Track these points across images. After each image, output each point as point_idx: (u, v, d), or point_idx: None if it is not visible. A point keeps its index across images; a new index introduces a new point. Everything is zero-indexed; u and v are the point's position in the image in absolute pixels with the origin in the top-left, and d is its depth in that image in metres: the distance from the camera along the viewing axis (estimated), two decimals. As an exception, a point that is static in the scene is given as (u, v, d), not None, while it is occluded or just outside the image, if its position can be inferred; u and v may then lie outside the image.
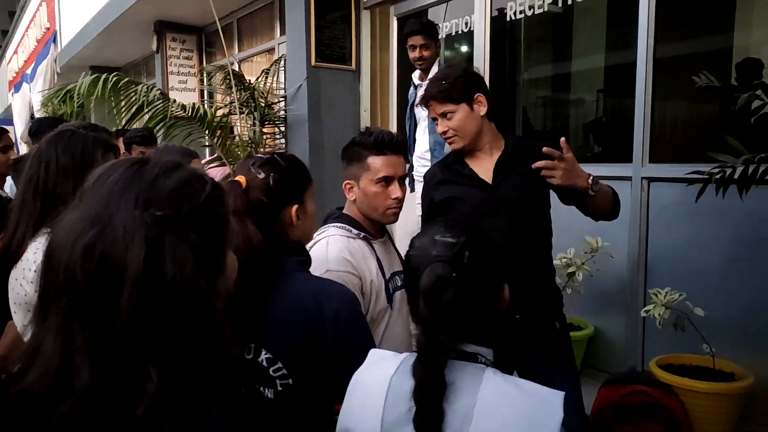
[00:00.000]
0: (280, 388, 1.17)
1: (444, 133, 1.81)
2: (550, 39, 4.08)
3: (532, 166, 1.63)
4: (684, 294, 2.29)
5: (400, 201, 1.61)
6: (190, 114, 3.92)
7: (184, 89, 6.94)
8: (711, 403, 2.29)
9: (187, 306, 0.68)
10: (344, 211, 1.67)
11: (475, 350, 0.98)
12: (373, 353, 1.08)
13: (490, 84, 3.68)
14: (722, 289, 2.48)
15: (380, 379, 0.99)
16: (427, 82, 3.54)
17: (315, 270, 1.36)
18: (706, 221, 2.47)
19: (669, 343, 2.55)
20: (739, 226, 2.42)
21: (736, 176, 1.69)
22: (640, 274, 2.79)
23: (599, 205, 1.72)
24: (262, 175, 1.25)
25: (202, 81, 6.82)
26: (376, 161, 1.57)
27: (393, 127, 4.49)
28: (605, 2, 3.61)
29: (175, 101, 3.92)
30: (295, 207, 1.27)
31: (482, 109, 1.77)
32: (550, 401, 0.90)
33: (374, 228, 1.65)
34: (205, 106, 5.65)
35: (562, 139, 1.64)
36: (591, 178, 1.66)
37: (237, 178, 1.25)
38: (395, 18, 4.47)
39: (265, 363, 1.17)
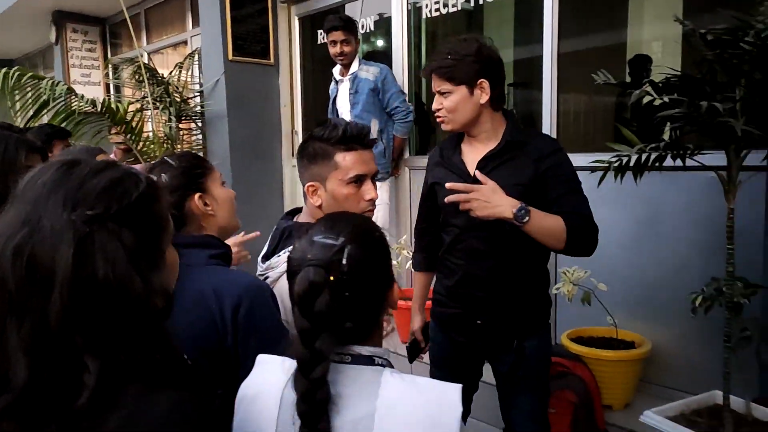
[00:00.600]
0: None
1: (437, 110, 1.67)
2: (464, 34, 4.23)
3: (446, 199, 1.51)
4: (589, 271, 2.51)
5: (374, 202, 1.46)
6: (99, 110, 3.74)
7: (87, 83, 6.56)
8: (615, 369, 2.53)
9: (121, 302, 0.69)
10: (305, 217, 1.51)
11: (372, 352, 0.95)
12: (260, 360, 1.03)
13: (407, 78, 3.80)
14: (623, 266, 2.74)
15: (272, 392, 0.94)
16: (349, 76, 3.64)
17: None
18: (608, 205, 2.70)
19: (579, 317, 2.77)
20: (637, 209, 2.67)
21: (631, 164, 1.88)
22: (552, 255, 3.00)
23: (539, 238, 1.53)
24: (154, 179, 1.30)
25: (108, 74, 6.49)
26: (345, 158, 1.40)
27: (311, 124, 4.51)
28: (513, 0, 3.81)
29: (83, 96, 3.72)
30: (197, 195, 1.31)
31: (483, 97, 1.62)
32: (449, 397, 0.89)
33: None
34: (113, 100, 5.41)
35: (476, 171, 1.59)
36: (517, 207, 1.47)
37: None
38: (296, 18, 4.49)
39: None
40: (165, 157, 1.39)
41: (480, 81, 1.62)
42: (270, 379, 0.96)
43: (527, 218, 1.47)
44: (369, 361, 0.94)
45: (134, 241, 0.72)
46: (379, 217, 3.54)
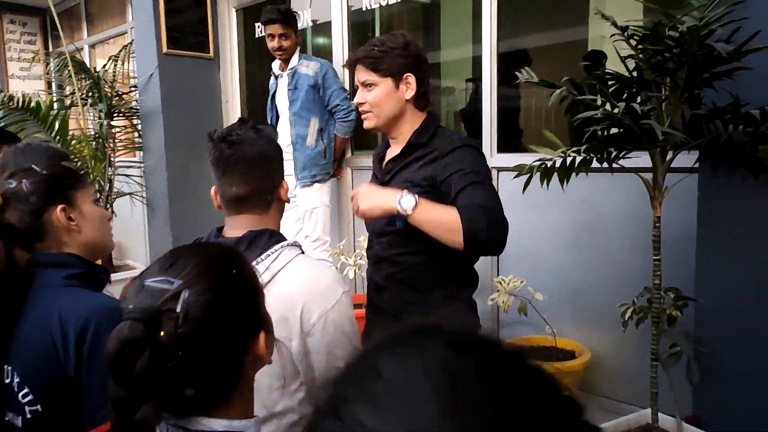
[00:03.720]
0: (29, 416, 1.09)
1: (360, 104, 1.60)
2: (406, 29, 4.09)
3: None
4: (525, 280, 2.38)
5: None
6: (20, 106, 3.48)
7: (27, 77, 6.23)
8: (554, 381, 2.42)
9: None
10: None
11: (227, 426, 0.76)
12: None
13: (349, 75, 3.63)
14: (560, 273, 2.62)
15: None
16: (288, 71, 3.46)
17: (330, 298, 1.14)
18: (544, 208, 2.58)
19: (520, 326, 2.65)
20: (575, 212, 2.56)
21: (557, 166, 1.75)
22: (493, 264, 2.88)
23: (432, 232, 1.40)
24: (13, 184, 1.21)
25: (49, 69, 6.17)
26: None
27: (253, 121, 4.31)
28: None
29: (1, 91, 3.45)
30: (59, 207, 1.22)
31: (409, 92, 1.55)
32: None
33: None
34: (53, 95, 5.13)
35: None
36: (401, 194, 1.40)
37: None
38: (234, 10, 4.29)
39: (15, 387, 1.11)
40: (32, 165, 1.29)
41: (406, 75, 1.56)
42: None
43: (413, 205, 1.38)
44: None
45: None
46: (320, 219, 3.38)
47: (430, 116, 1.62)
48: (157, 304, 0.72)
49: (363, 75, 1.58)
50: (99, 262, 1.49)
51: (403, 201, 1.39)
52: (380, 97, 1.56)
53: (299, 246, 1.20)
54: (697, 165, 1.85)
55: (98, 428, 0.84)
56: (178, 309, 0.72)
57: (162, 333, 0.71)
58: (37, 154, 1.67)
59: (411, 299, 1.55)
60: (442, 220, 1.39)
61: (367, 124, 1.61)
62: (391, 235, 1.58)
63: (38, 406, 1.10)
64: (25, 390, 1.10)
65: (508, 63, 2.87)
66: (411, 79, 1.56)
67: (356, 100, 1.61)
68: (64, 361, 1.10)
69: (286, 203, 1.28)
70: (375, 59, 1.55)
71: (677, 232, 2.07)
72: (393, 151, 1.64)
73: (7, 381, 1.13)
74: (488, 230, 1.37)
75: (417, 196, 1.40)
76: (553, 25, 3.20)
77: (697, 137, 1.62)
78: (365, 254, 2.98)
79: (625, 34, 1.52)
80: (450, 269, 1.56)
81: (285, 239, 1.18)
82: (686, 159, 1.82)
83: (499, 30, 2.82)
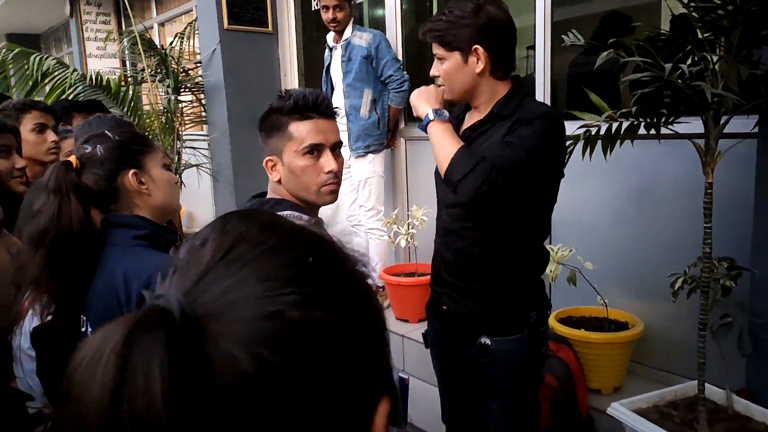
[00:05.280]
0: None
1: (435, 77, 1.56)
2: None
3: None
4: (574, 249, 2.35)
5: (336, 175, 1.33)
6: (93, 83, 3.72)
7: (103, 56, 6.60)
8: (604, 352, 2.39)
9: None
10: (270, 195, 1.39)
11: None
12: None
13: (404, 48, 3.62)
14: (612, 242, 2.57)
15: None
16: (342, 43, 3.51)
17: None
18: (595, 176, 2.52)
19: (570, 297, 2.63)
20: (627, 179, 2.48)
21: (602, 133, 1.71)
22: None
23: (434, 151, 1.50)
24: (89, 150, 1.28)
25: (123, 47, 6.50)
26: (300, 128, 1.29)
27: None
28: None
29: (75, 71, 3.70)
30: (131, 172, 1.29)
31: (479, 66, 1.46)
32: None
33: (313, 213, 1.38)
34: (122, 73, 5.42)
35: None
36: (436, 109, 1.50)
37: (69, 158, 1.27)
38: None
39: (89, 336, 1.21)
40: (105, 131, 1.38)
41: (474, 47, 1.45)
42: None
43: (434, 120, 1.49)
44: None
45: None
46: (373, 189, 3.44)
47: (515, 86, 1.54)
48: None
49: (434, 48, 1.52)
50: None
51: (434, 112, 1.50)
52: (450, 73, 1.50)
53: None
54: (756, 129, 1.76)
55: None
56: None
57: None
58: (108, 123, 1.81)
59: (477, 275, 1.55)
60: (442, 147, 1.47)
61: (445, 97, 1.57)
62: (458, 207, 1.55)
63: None
64: None
65: (563, 31, 2.78)
66: (480, 50, 1.45)
67: (431, 72, 1.56)
68: None
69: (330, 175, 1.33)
70: (440, 32, 1.48)
71: (733, 200, 1.98)
72: (473, 117, 1.58)
73: (83, 330, 1.24)
74: (468, 172, 1.38)
75: (448, 118, 1.51)
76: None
77: (754, 99, 1.54)
78: (417, 223, 3.05)
79: (676, -9, 1.46)
80: (517, 247, 1.53)
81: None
82: (744, 124, 1.74)
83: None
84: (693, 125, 1.70)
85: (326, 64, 3.61)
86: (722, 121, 1.56)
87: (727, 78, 1.53)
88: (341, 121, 3.38)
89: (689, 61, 1.49)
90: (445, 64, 1.50)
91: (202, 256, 0.38)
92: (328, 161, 1.31)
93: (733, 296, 1.78)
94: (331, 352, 0.36)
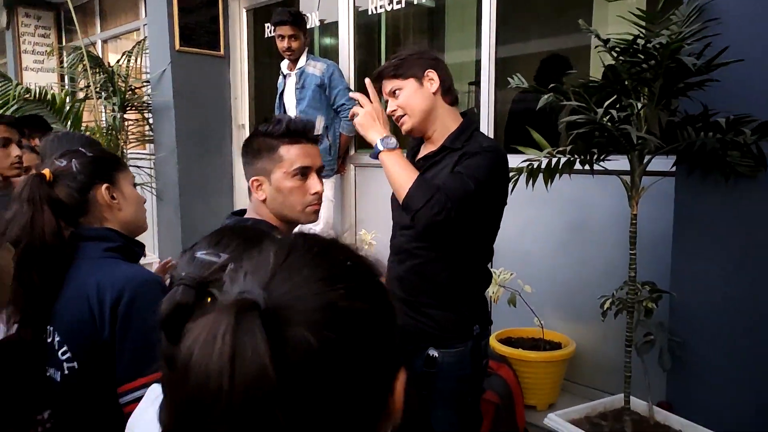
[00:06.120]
0: (66, 372, 1.23)
1: (393, 113, 1.65)
2: (411, 33, 4.23)
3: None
4: (515, 273, 2.52)
5: (320, 197, 1.43)
6: (36, 97, 3.63)
7: (40, 70, 6.39)
8: (539, 370, 2.56)
9: None
10: (250, 214, 1.46)
11: None
12: (152, 390, 0.94)
13: (356, 78, 3.77)
14: (549, 267, 2.76)
15: (142, 427, 0.86)
16: (296, 71, 3.61)
17: None
18: (535, 206, 2.72)
19: (510, 318, 2.79)
20: (565, 210, 2.70)
21: (543, 167, 1.89)
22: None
23: (389, 180, 1.57)
24: (63, 163, 1.33)
25: (61, 62, 6.32)
26: (290, 151, 1.38)
27: (260, 117, 4.45)
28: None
29: (19, 84, 3.61)
30: (104, 186, 1.34)
31: (433, 86, 1.62)
32: None
33: (289, 231, 1.44)
34: (66, 88, 5.27)
35: (367, 79, 1.65)
36: (385, 135, 1.57)
37: (42, 171, 1.31)
38: (245, 10, 4.43)
39: (56, 346, 1.24)
40: (80, 147, 1.42)
41: (428, 71, 1.63)
42: (140, 414, 0.88)
43: (385, 148, 1.55)
44: None
45: None
46: (323, 213, 3.52)
47: (465, 120, 1.67)
48: (205, 273, 0.78)
49: (388, 85, 1.65)
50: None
51: (382, 141, 1.57)
52: (408, 97, 1.62)
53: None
54: (673, 168, 2.00)
55: (149, 377, 0.98)
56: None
57: (209, 299, 0.83)
58: (77, 141, 1.83)
59: (427, 291, 1.64)
60: (398, 177, 1.55)
61: (404, 128, 1.67)
62: (412, 229, 1.62)
63: (75, 364, 1.22)
64: (65, 349, 1.23)
65: (506, 68, 3.01)
66: (432, 74, 1.62)
67: (388, 111, 1.66)
68: (100, 324, 1.20)
69: None
70: (395, 67, 1.64)
71: (654, 230, 2.22)
72: (427, 148, 1.69)
73: (50, 340, 1.25)
74: (426, 206, 1.48)
75: (397, 146, 1.57)
76: (556, 31, 3.31)
77: (672, 142, 1.76)
78: (366, 247, 3.15)
79: (607, 45, 1.66)
80: (465, 266, 1.65)
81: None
82: (664, 163, 1.97)
83: (498, 35, 2.96)
84: (620, 163, 1.92)
85: (280, 90, 3.70)
86: (645, 161, 1.77)
87: (650, 123, 1.74)
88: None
89: (618, 107, 1.69)
90: (401, 94, 1.63)
91: (265, 260, 0.51)
92: (314, 183, 1.41)
93: (654, 317, 1.98)
94: (369, 331, 0.50)
